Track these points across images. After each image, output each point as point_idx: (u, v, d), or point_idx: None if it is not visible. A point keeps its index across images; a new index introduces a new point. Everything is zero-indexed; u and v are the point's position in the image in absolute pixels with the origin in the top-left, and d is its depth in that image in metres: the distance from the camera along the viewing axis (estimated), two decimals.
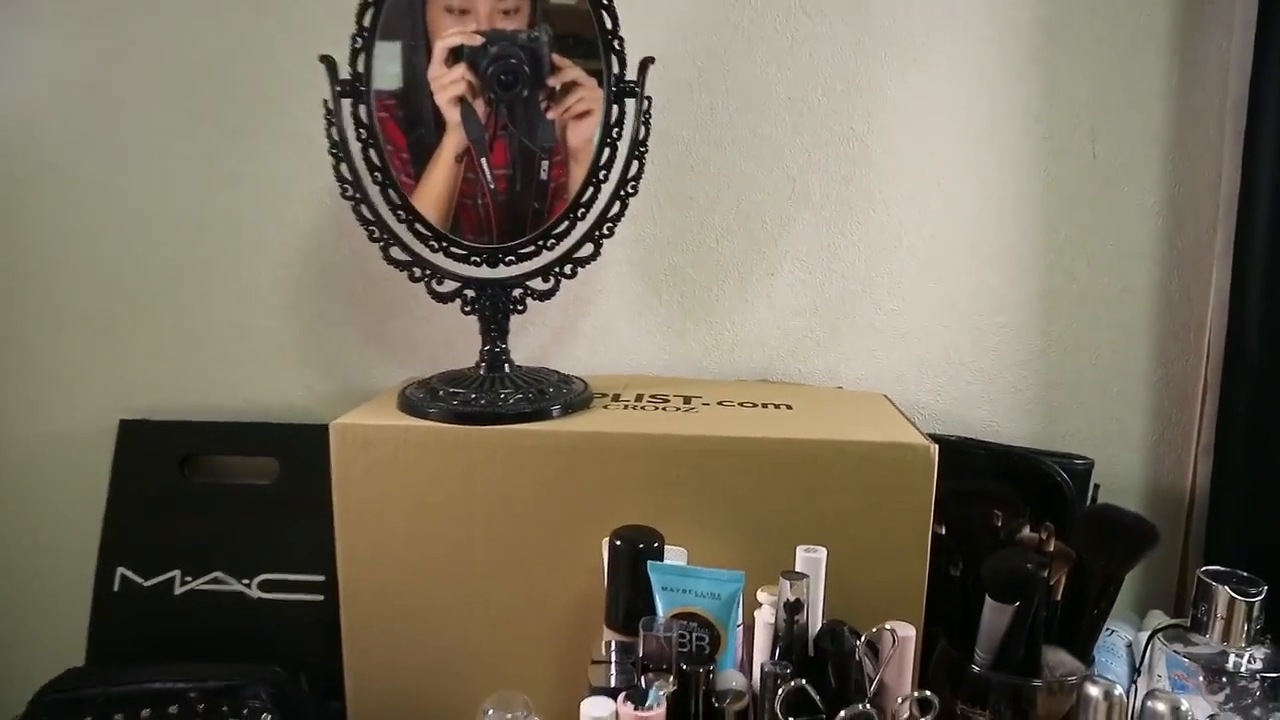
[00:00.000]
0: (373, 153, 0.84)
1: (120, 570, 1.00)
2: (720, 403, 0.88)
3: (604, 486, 0.78)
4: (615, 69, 0.82)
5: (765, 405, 0.87)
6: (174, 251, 1.02)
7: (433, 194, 0.85)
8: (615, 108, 0.84)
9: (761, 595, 0.68)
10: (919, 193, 0.98)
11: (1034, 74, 0.95)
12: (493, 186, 0.85)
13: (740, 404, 0.88)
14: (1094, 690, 0.64)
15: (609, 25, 0.81)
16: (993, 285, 0.99)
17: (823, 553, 0.67)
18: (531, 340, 1.01)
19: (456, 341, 1.01)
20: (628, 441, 0.77)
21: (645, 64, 0.83)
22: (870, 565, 0.76)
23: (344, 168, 0.83)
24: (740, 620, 0.70)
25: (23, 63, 0.99)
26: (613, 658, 0.68)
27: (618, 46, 0.82)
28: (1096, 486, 0.89)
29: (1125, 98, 0.95)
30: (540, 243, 0.86)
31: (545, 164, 0.85)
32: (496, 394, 0.82)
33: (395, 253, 0.85)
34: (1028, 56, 0.95)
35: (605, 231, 0.86)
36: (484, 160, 0.84)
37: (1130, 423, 1.00)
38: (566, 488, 0.78)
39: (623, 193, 0.85)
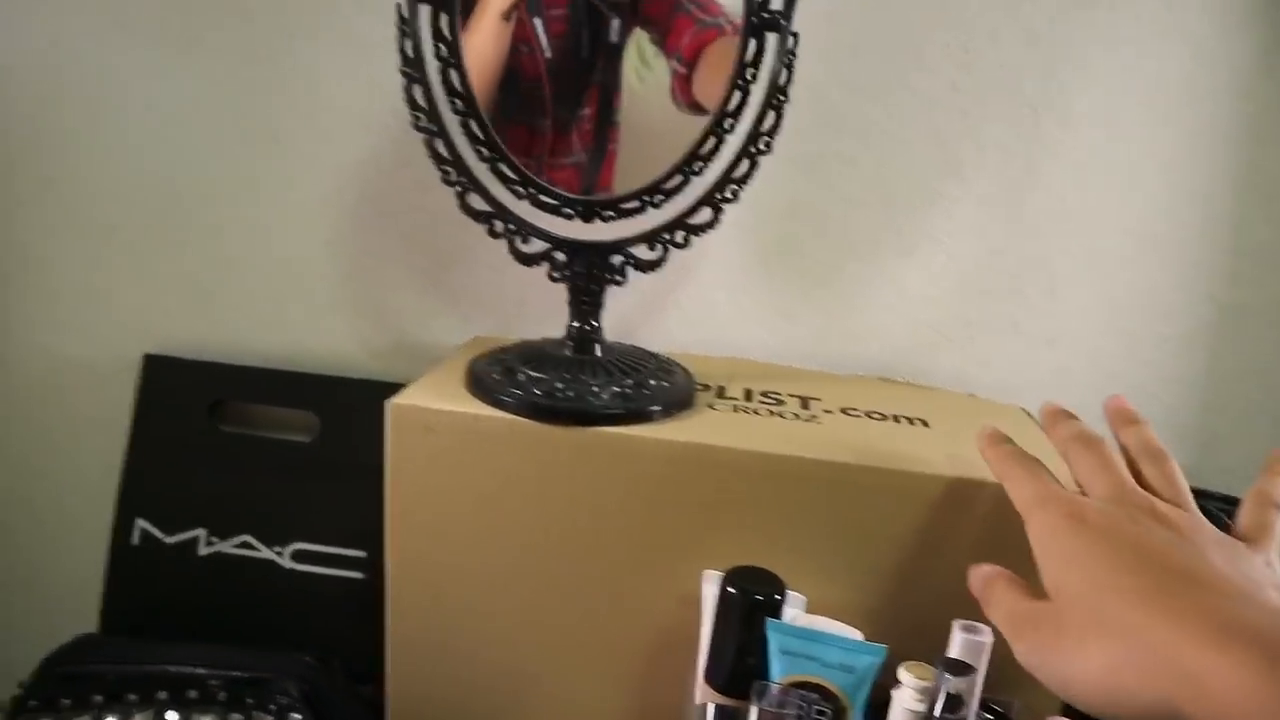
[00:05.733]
0: (454, 75, 0.69)
1: (140, 523, 0.89)
2: (844, 410, 0.75)
3: (709, 506, 0.66)
4: None
5: (897, 419, 0.74)
6: (211, 164, 0.88)
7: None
8: (753, 41, 0.69)
9: (904, 675, 0.56)
10: (1092, 173, 0.82)
11: (1251, 39, 0.79)
12: (548, 55, 0.70)
13: (868, 414, 0.74)
14: None
15: None
16: (1162, 289, 0.84)
17: (988, 636, 0.55)
18: (614, 306, 0.87)
19: (531, 300, 0.87)
20: (742, 459, 0.65)
21: None
22: None
23: (418, 91, 0.69)
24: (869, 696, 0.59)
25: None
26: None
27: None
28: None
29: None
30: (646, 198, 0.72)
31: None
32: (586, 384, 0.69)
33: (474, 200, 0.71)
34: (1246, 17, 0.79)
35: (729, 195, 0.72)
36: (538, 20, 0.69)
37: None
38: (663, 504, 0.66)
39: (753, 149, 0.71)
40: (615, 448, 0.66)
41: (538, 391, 0.68)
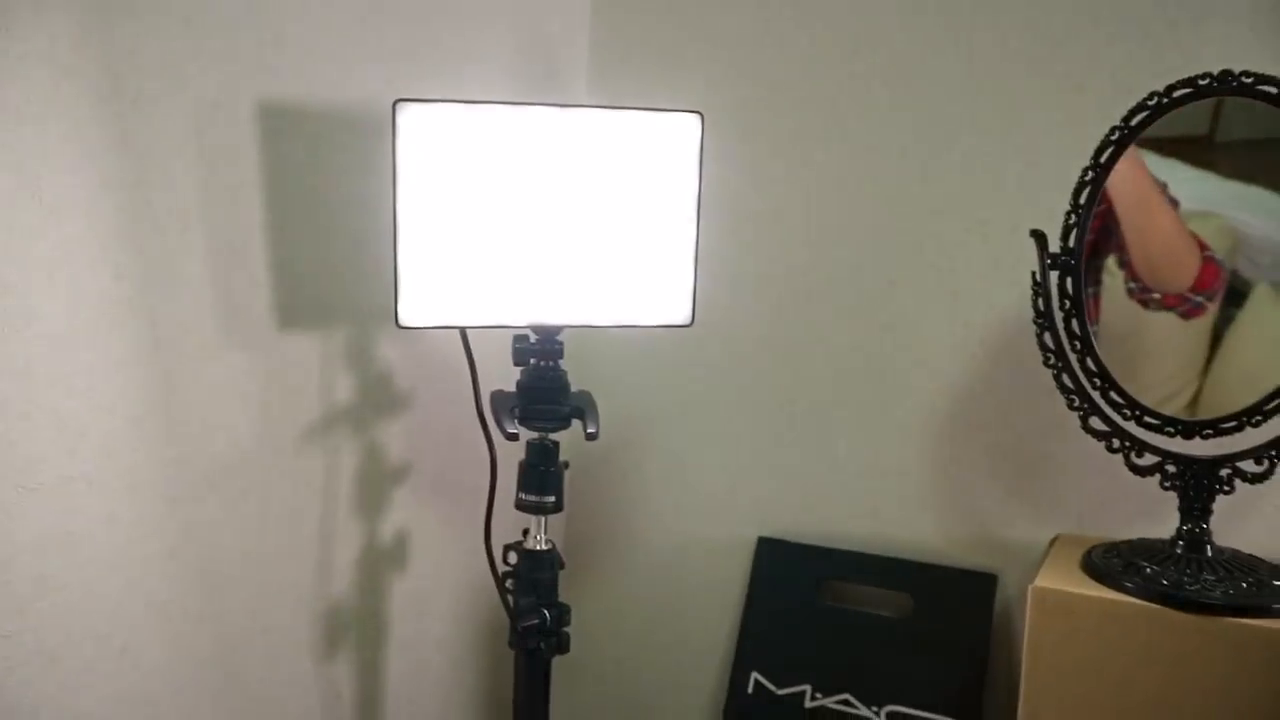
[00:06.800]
0: (1074, 323, 0.87)
1: (754, 675, 1.10)
2: None
3: None
4: None
5: None
6: (825, 388, 1.13)
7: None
8: None
9: None
10: None
11: None
12: None
13: None
14: None
15: None
16: None
17: None
18: None
19: (1108, 503, 0.99)
20: None
21: None
22: None
23: (1048, 337, 0.87)
24: None
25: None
26: None
27: None
28: None
29: None
30: (1245, 419, 0.83)
31: None
32: (1206, 579, 0.79)
33: (1094, 423, 0.86)
34: None
35: None
36: None
37: None
38: None
39: None
40: (1244, 638, 0.75)
41: (1164, 582, 0.79)
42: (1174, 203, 0.85)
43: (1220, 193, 0.85)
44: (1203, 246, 0.85)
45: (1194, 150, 0.84)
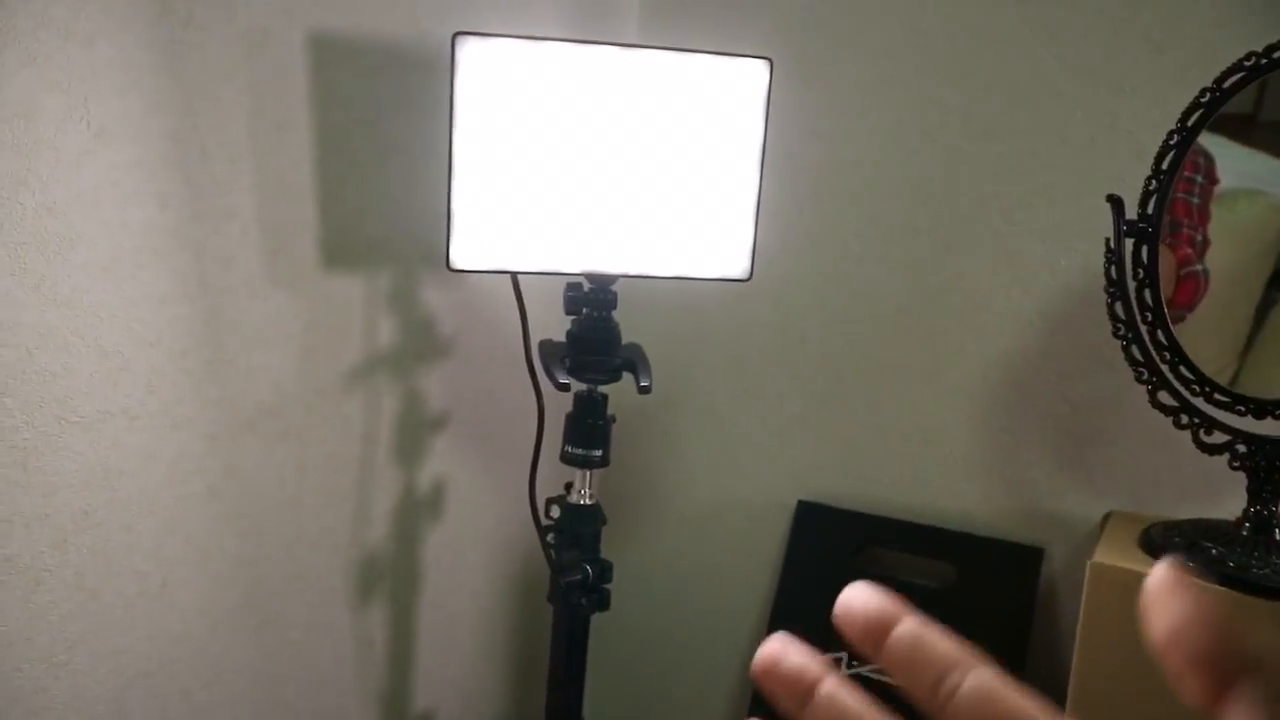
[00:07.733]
0: (1147, 294, 0.83)
1: None
2: None
3: None
4: None
5: None
6: (874, 350, 1.10)
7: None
8: None
9: None
10: None
11: None
12: None
13: None
14: None
15: None
16: None
17: None
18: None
19: (1163, 482, 0.97)
20: None
21: None
22: None
23: (1119, 307, 0.84)
24: None
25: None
26: None
27: None
28: None
29: None
30: None
31: None
32: (1270, 561, 0.77)
33: (1163, 397, 0.83)
34: None
35: None
36: None
37: None
38: None
39: None
40: None
41: (1230, 564, 0.77)
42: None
43: (1269, 171, 0.83)
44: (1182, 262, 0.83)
45: (1238, 128, 0.82)
